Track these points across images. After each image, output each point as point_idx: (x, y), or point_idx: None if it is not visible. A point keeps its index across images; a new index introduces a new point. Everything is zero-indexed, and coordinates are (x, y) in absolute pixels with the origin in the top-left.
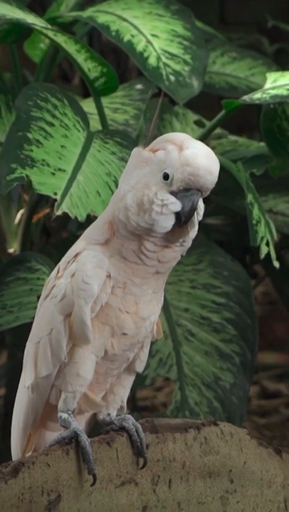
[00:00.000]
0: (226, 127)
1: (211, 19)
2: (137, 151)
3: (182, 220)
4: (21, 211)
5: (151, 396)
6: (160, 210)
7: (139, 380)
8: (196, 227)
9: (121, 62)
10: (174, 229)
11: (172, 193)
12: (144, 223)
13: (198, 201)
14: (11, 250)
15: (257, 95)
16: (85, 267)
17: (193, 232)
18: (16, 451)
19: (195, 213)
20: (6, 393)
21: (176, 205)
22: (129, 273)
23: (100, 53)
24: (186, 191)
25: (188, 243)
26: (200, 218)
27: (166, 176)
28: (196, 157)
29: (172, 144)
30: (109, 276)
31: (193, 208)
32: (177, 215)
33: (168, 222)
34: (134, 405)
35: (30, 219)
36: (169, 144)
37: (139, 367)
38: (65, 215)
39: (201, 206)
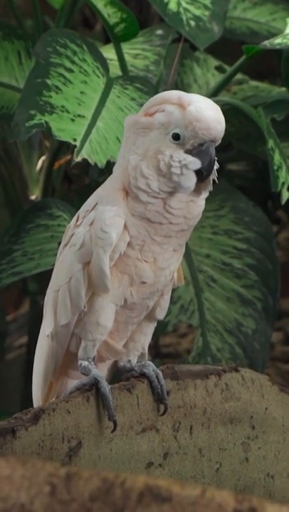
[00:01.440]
0: (248, 73)
1: None
2: (132, 118)
3: (204, 174)
4: (43, 158)
5: (175, 343)
6: (180, 171)
7: (161, 327)
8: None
9: (143, 8)
10: (196, 185)
11: (187, 152)
12: (167, 187)
13: (214, 152)
14: (32, 197)
15: (278, 40)
16: (103, 215)
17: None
18: (37, 399)
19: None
20: (29, 341)
21: (195, 163)
22: (152, 232)
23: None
24: (200, 146)
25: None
26: (217, 167)
27: (176, 137)
28: (203, 110)
29: (170, 104)
30: (125, 227)
31: (213, 161)
32: (197, 171)
33: (191, 182)
34: (156, 352)
35: (52, 165)
36: (166, 105)
37: (160, 314)
38: (85, 161)
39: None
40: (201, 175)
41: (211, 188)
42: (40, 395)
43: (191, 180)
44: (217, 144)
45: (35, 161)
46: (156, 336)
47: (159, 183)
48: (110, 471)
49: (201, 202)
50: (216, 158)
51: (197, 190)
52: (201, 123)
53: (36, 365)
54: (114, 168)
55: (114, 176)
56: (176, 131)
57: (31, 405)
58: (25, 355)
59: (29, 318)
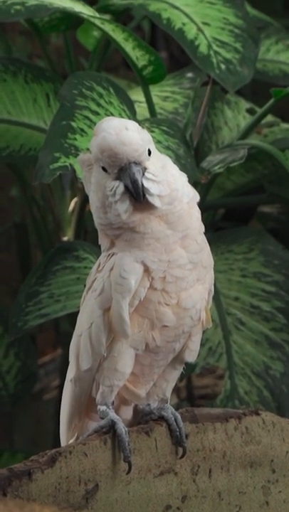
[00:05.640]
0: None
1: (276, 7)
2: (82, 156)
3: (133, 194)
4: (75, 199)
5: (213, 384)
6: (113, 199)
7: (189, 369)
8: (167, 187)
9: None
10: (139, 206)
11: (116, 179)
12: (114, 217)
13: (138, 171)
14: (65, 239)
15: None
16: (122, 261)
17: (163, 191)
18: (63, 442)
19: (143, 181)
20: (60, 382)
21: (120, 186)
22: (157, 252)
23: (164, 38)
24: (121, 171)
25: (172, 197)
26: (158, 180)
27: (104, 168)
28: (104, 140)
29: (95, 136)
30: (147, 270)
31: (134, 179)
32: (129, 194)
33: (124, 205)
34: (189, 393)
35: (84, 207)
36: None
37: (189, 357)
38: None
39: (152, 171)
40: (134, 196)
41: (158, 203)
42: (65, 439)
43: (123, 203)
44: (143, 159)
45: (68, 202)
46: (187, 377)
47: (110, 214)
48: None
49: (169, 210)
50: (138, 176)
51: (144, 209)
52: (106, 152)
53: (62, 408)
54: None
55: None
56: (100, 163)
57: None
58: (59, 396)
59: (61, 359)
